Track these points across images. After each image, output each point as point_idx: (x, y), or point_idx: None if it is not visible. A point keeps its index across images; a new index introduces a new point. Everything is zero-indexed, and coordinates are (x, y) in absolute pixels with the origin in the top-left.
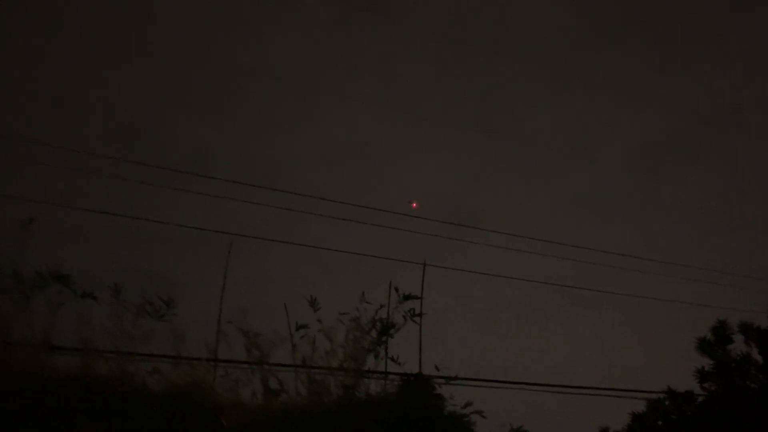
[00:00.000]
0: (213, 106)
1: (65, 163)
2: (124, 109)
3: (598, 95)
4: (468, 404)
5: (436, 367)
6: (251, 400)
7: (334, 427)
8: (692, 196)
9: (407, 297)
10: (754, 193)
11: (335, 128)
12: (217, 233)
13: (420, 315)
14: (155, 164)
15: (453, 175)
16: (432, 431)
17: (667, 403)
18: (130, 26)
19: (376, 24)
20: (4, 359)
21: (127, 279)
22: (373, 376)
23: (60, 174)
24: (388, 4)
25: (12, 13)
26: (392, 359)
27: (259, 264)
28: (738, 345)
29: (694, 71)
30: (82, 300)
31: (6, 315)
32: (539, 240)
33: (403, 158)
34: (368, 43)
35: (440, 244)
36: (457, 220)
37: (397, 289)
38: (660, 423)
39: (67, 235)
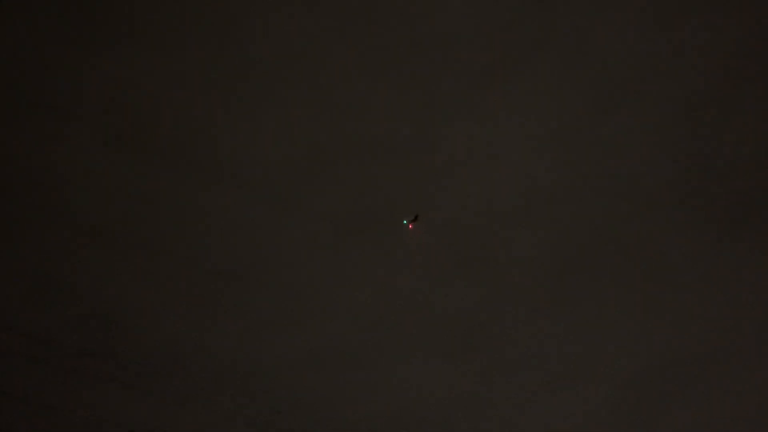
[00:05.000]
0: (201, 304)
1: (35, 357)
2: (107, 301)
3: (587, 320)
4: None
5: None
6: None
7: None
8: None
9: None
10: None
11: (323, 335)
12: None
13: None
14: (128, 364)
15: (437, 395)
16: None
17: None
18: (125, 220)
19: (368, 242)
20: None
21: None
22: None
23: (27, 369)
24: (380, 227)
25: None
26: None
27: None
28: None
29: (682, 303)
30: None
31: None
32: None
33: (389, 371)
34: (361, 259)
35: None
36: None
37: None
38: None
39: None
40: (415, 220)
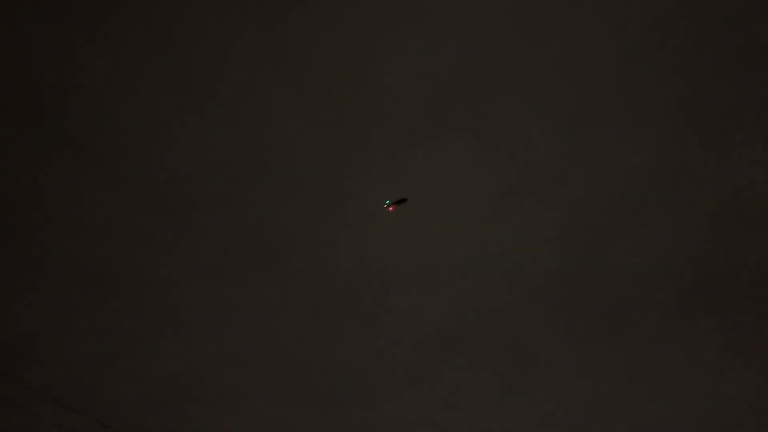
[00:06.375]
0: (63, 303)
1: None
2: None
3: (467, 393)
4: None
5: None
6: None
7: None
8: None
9: None
10: None
11: (186, 363)
12: None
13: None
14: None
15: None
16: None
17: None
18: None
19: (257, 277)
20: None
21: None
22: None
23: None
24: (272, 264)
25: None
26: None
27: None
28: None
29: (547, 391)
30: None
31: None
32: None
33: (251, 411)
34: (244, 292)
35: None
36: None
37: None
38: None
39: None
40: (399, 203)
